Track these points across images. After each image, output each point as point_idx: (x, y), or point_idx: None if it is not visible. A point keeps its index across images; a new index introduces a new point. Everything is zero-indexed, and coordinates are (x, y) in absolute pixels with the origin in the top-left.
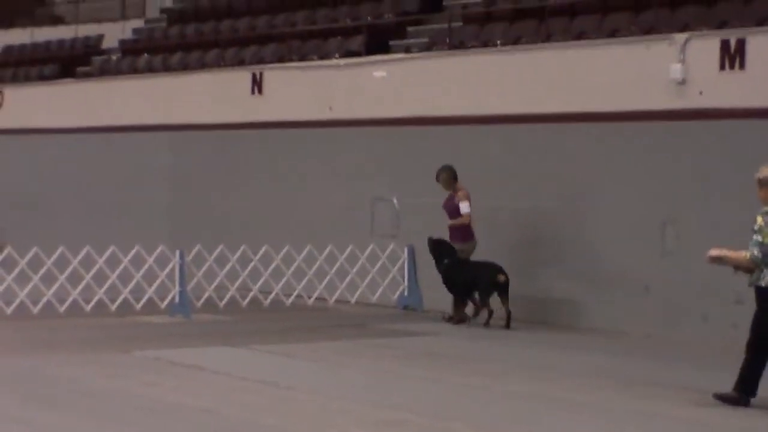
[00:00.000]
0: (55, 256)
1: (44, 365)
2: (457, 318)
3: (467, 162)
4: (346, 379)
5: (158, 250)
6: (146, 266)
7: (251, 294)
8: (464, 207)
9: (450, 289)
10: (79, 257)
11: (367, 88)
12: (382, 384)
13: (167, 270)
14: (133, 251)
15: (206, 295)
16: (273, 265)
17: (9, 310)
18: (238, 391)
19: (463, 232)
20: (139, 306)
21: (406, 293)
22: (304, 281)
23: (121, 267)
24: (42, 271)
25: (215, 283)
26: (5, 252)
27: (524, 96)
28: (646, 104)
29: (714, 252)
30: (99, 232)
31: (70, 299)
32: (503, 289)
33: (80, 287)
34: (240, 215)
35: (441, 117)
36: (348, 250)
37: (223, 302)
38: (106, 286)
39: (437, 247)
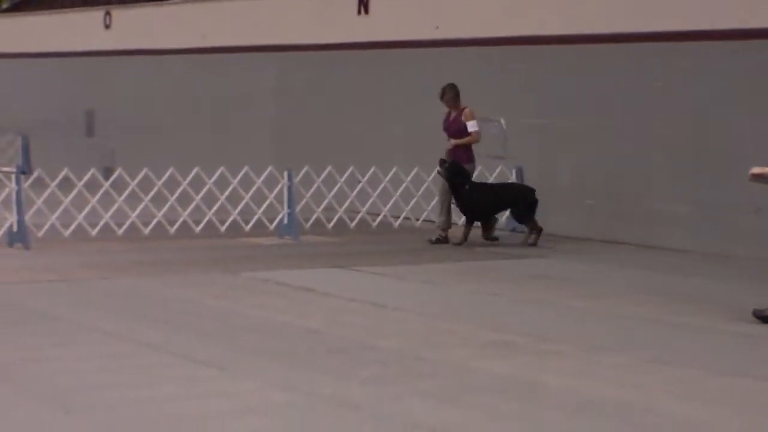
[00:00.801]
0: (164, 178)
1: (154, 285)
2: (461, 238)
3: (578, 84)
4: (453, 301)
5: (267, 171)
6: (255, 187)
7: (359, 216)
8: (473, 125)
9: (474, 213)
10: (189, 178)
11: (474, 8)
12: (488, 306)
13: (275, 191)
14: (242, 172)
15: (314, 216)
16: (380, 187)
17: (120, 231)
18: (347, 312)
19: (469, 152)
20: (247, 227)
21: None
22: (412, 203)
23: (230, 188)
24: (152, 192)
25: (323, 205)
26: (116, 174)
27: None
28: None
29: (756, 170)
30: (208, 154)
31: (180, 220)
32: (533, 209)
33: (190, 208)
34: (347, 136)
35: (546, 36)
36: None
37: (331, 224)
38: (215, 208)
39: (457, 171)
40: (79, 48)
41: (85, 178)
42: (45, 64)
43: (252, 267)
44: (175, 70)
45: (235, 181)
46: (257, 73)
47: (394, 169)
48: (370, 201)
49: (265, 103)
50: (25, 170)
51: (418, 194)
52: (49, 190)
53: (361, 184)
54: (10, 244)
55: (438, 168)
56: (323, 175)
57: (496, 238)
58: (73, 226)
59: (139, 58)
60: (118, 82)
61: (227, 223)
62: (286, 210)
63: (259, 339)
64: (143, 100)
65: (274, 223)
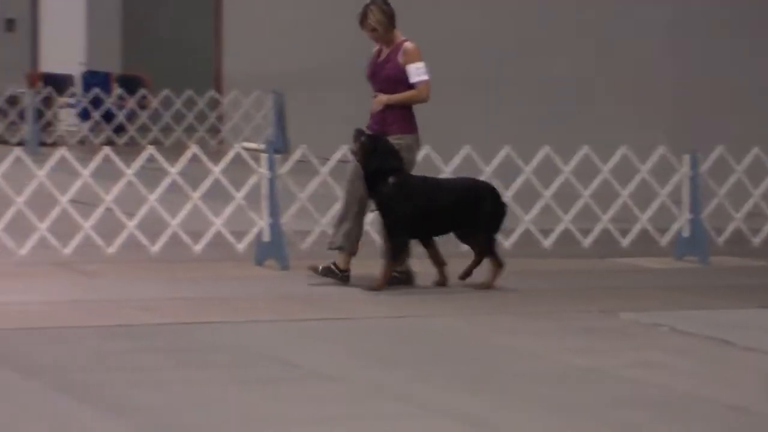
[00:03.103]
0: (497, 161)
1: (476, 329)
2: (391, 275)
3: None
4: None
5: (655, 155)
6: (636, 180)
7: None
8: (419, 70)
9: (395, 229)
10: (530, 165)
11: None
12: None
13: (669, 186)
14: (615, 157)
15: (732, 226)
16: None
17: None
18: None
19: (410, 116)
20: (626, 241)
21: None
22: None
23: (598, 180)
24: None
25: (745, 209)
26: None
27: None
28: None
29: None
30: (558, 125)
31: (519, 230)
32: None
33: (532, 212)
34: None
35: None
36: None
37: (759, 237)
38: (573, 212)
39: (374, 149)
40: None
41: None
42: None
43: (634, 304)
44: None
45: (606, 170)
46: (639, 9)
47: None
48: None
49: (651, 52)
50: (280, 147)
51: None
52: (318, 179)
53: None
54: (259, 261)
55: (351, 145)
56: (745, 162)
57: (406, 278)
58: None
59: None
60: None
61: (593, 235)
62: (687, 216)
63: (648, 420)
64: (453, 46)
65: (668, 236)
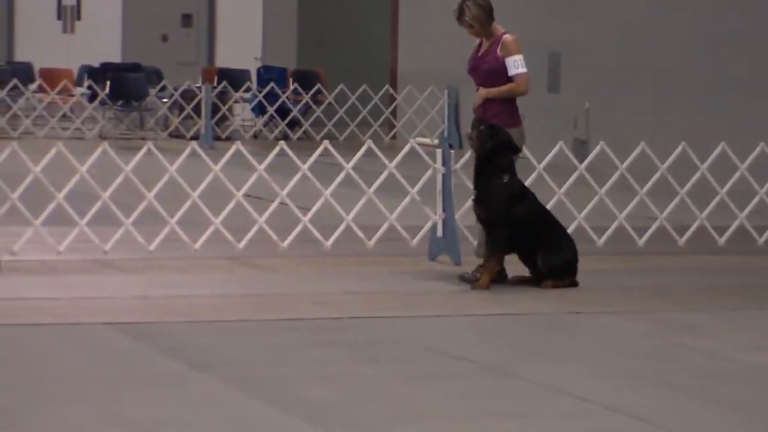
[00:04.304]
0: (667, 164)
1: (641, 326)
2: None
3: None
4: None
5: None
6: None
7: None
8: (517, 63)
9: (501, 226)
10: (710, 160)
11: None
12: None
13: None
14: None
15: None
16: None
17: (601, 240)
18: None
19: (511, 110)
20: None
21: None
22: None
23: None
24: (651, 180)
25: None
26: (595, 150)
27: None
28: None
29: None
30: (736, 119)
31: (694, 226)
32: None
33: (710, 207)
34: None
35: None
36: None
37: None
38: (749, 207)
39: (500, 139)
40: None
41: (548, 158)
42: None
43: None
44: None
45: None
46: None
47: None
48: None
49: None
50: (454, 142)
51: None
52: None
53: None
54: (432, 256)
55: (469, 131)
56: None
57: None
58: None
59: None
60: (594, 12)
61: None
62: None
63: None
64: (629, 38)
65: None
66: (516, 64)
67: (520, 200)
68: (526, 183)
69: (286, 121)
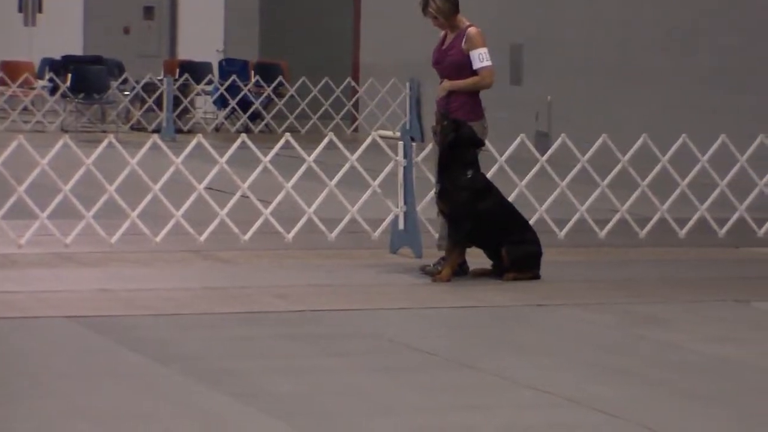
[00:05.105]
0: (630, 153)
1: (609, 318)
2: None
3: None
4: None
5: None
6: None
7: None
8: (481, 56)
9: (463, 220)
10: (671, 152)
11: None
12: None
13: None
14: (755, 144)
15: None
16: None
17: (562, 233)
18: None
19: (475, 102)
20: (761, 231)
21: None
22: None
23: (735, 167)
24: (613, 173)
25: None
26: (556, 143)
27: None
28: None
29: None
30: (699, 112)
31: (655, 218)
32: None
33: (670, 200)
34: None
35: None
36: None
37: None
38: (709, 200)
39: (463, 133)
40: None
41: (509, 151)
42: None
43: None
44: None
45: (743, 159)
46: None
47: None
48: None
49: None
50: (415, 135)
51: None
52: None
53: None
54: (394, 249)
55: (433, 126)
56: None
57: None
58: None
59: None
60: (556, 4)
61: (729, 224)
62: None
63: None
64: (593, 32)
65: None
66: (481, 57)
67: (483, 195)
68: (488, 175)
69: (248, 113)
